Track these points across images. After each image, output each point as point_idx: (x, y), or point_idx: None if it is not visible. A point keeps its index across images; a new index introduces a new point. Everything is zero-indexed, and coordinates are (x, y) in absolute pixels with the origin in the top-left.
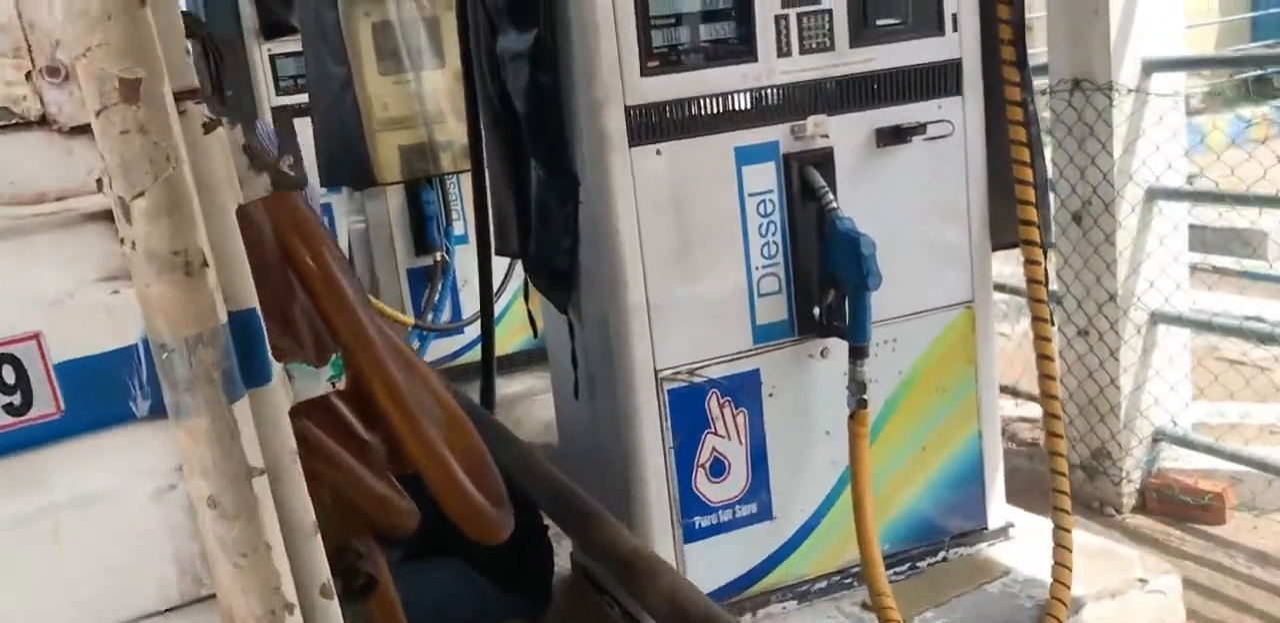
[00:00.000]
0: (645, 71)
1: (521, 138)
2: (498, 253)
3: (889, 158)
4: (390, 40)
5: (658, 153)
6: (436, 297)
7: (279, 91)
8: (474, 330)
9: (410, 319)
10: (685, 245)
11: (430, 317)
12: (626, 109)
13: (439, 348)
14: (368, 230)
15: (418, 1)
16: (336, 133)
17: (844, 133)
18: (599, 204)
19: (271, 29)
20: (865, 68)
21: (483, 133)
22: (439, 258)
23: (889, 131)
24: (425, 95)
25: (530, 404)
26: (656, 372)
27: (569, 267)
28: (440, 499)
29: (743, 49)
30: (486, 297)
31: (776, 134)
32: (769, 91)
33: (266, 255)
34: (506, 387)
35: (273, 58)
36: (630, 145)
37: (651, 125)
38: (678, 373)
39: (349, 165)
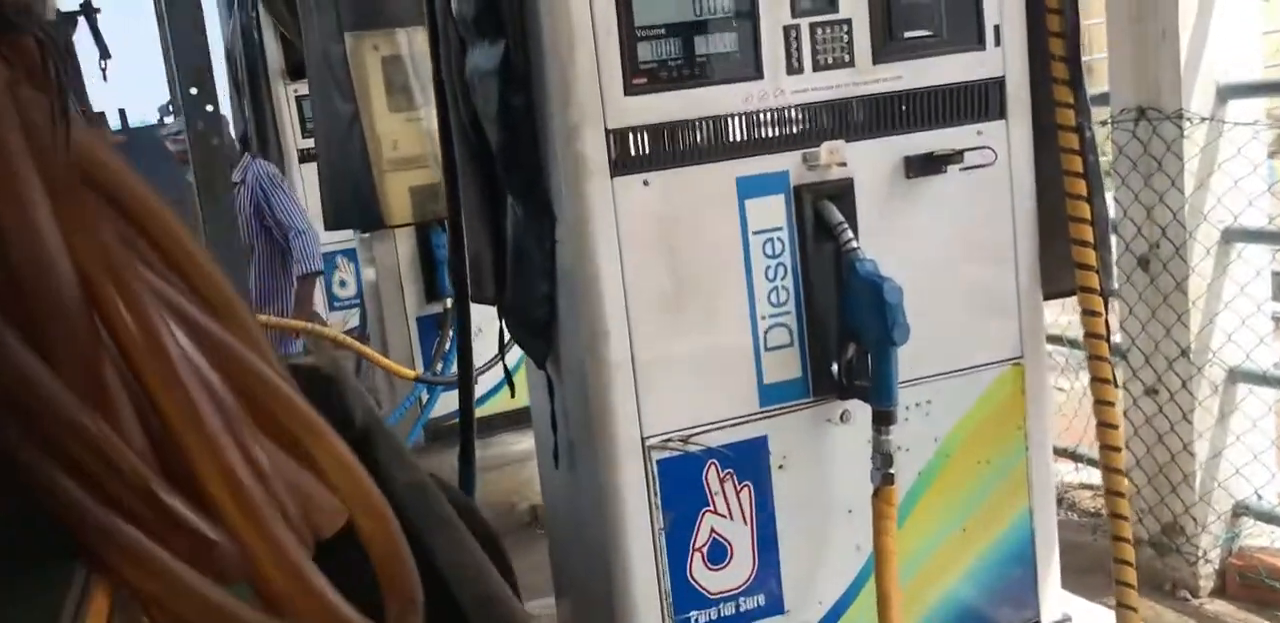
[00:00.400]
0: (630, 90)
1: (496, 170)
2: (473, 299)
3: (920, 190)
4: (401, 75)
5: (645, 183)
6: (448, 345)
7: (304, 133)
8: (490, 379)
9: (413, 372)
10: (678, 291)
11: (440, 367)
12: (608, 133)
13: (451, 401)
14: (376, 276)
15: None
16: (343, 172)
17: (866, 161)
18: (576, 242)
19: (298, 70)
20: (891, 86)
21: (457, 166)
22: (450, 305)
23: (920, 160)
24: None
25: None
26: (643, 439)
27: (547, 316)
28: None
29: (746, 65)
30: (464, 347)
31: (786, 163)
32: (776, 113)
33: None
34: (517, 444)
35: (299, 99)
36: (612, 174)
37: (638, 152)
38: (669, 441)
39: (356, 207)
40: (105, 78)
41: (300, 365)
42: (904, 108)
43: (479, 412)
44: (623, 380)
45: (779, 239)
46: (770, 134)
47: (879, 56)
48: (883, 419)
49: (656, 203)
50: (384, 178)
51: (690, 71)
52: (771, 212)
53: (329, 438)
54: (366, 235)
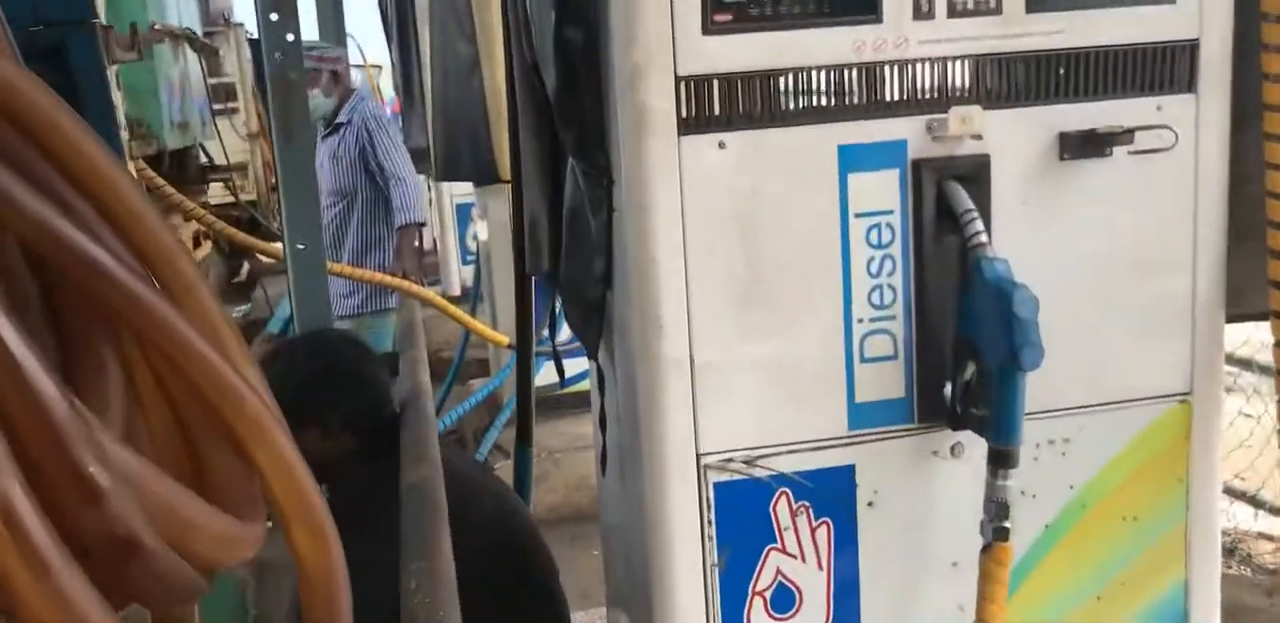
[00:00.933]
0: (710, 28)
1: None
2: (528, 271)
3: (1075, 176)
4: None
5: (721, 146)
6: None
7: None
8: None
9: (505, 339)
10: (754, 281)
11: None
12: (678, 81)
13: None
14: (489, 233)
15: None
16: (458, 120)
17: (1008, 135)
18: (634, 214)
19: None
20: (1048, 43)
21: (519, 118)
22: None
23: (1079, 138)
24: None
25: None
26: (699, 456)
27: (600, 298)
28: None
29: (860, 3)
30: (524, 318)
31: (904, 130)
32: (896, 68)
33: None
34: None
35: None
36: (680, 133)
37: (715, 107)
38: (729, 461)
39: (470, 157)
40: None
41: (331, 338)
42: (1062, 71)
43: (574, 388)
44: (678, 384)
45: (888, 225)
46: (886, 94)
47: (1035, 3)
48: (1001, 460)
49: (734, 171)
50: (501, 128)
51: (788, 8)
52: (881, 191)
53: (276, 442)
54: (481, 189)
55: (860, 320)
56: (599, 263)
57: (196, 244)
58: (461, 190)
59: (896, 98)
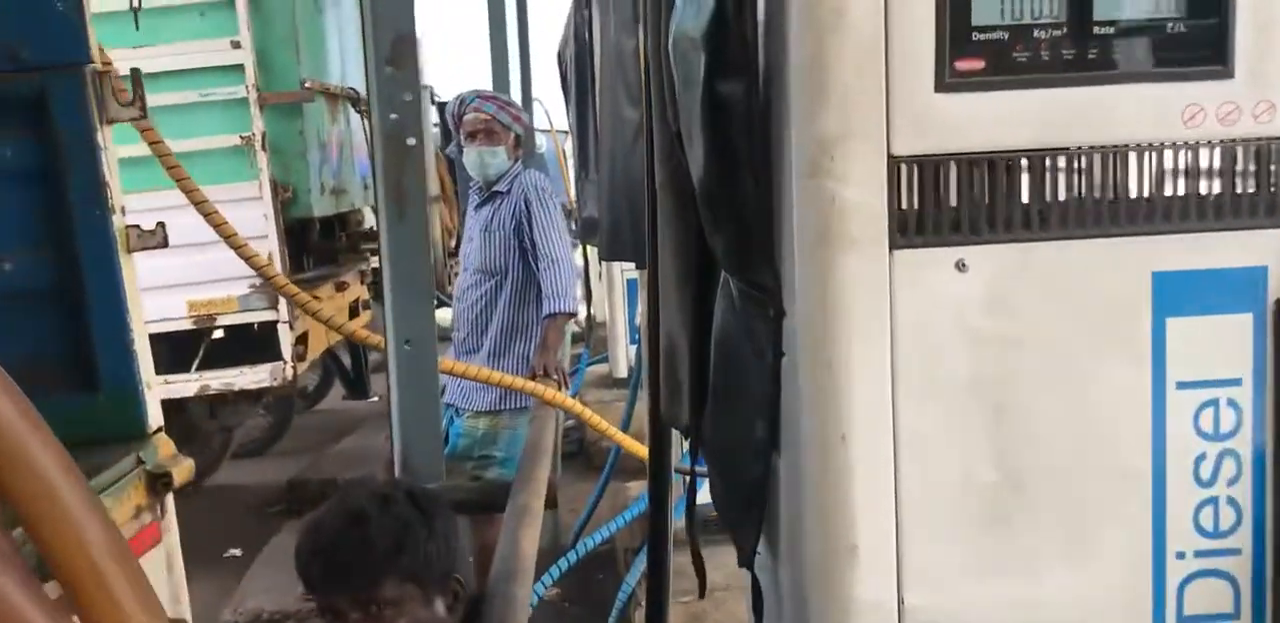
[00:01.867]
0: (948, 82)
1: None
2: (663, 420)
3: None
4: None
5: (960, 267)
6: None
7: None
8: None
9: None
10: (1003, 488)
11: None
12: (893, 163)
13: None
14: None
15: None
16: (622, 192)
17: None
18: (813, 367)
19: None
20: None
21: (657, 201)
22: None
23: None
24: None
25: None
26: None
27: (762, 479)
28: None
29: (1198, 48)
30: (660, 491)
31: (1264, 251)
32: (1254, 149)
33: None
34: None
35: None
36: (894, 245)
37: (951, 204)
38: None
39: (631, 235)
40: None
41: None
42: None
43: None
44: None
45: (1232, 403)
46: (1235, 189)
47: None
48: None
49: (979, 308)
50: None
51: (1076, 51)
52: (1222, 347)
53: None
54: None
55: (1180, 555)
56: (760, 427)
57: (355, 314)
58: (632, 264)
59: (1251, 199)
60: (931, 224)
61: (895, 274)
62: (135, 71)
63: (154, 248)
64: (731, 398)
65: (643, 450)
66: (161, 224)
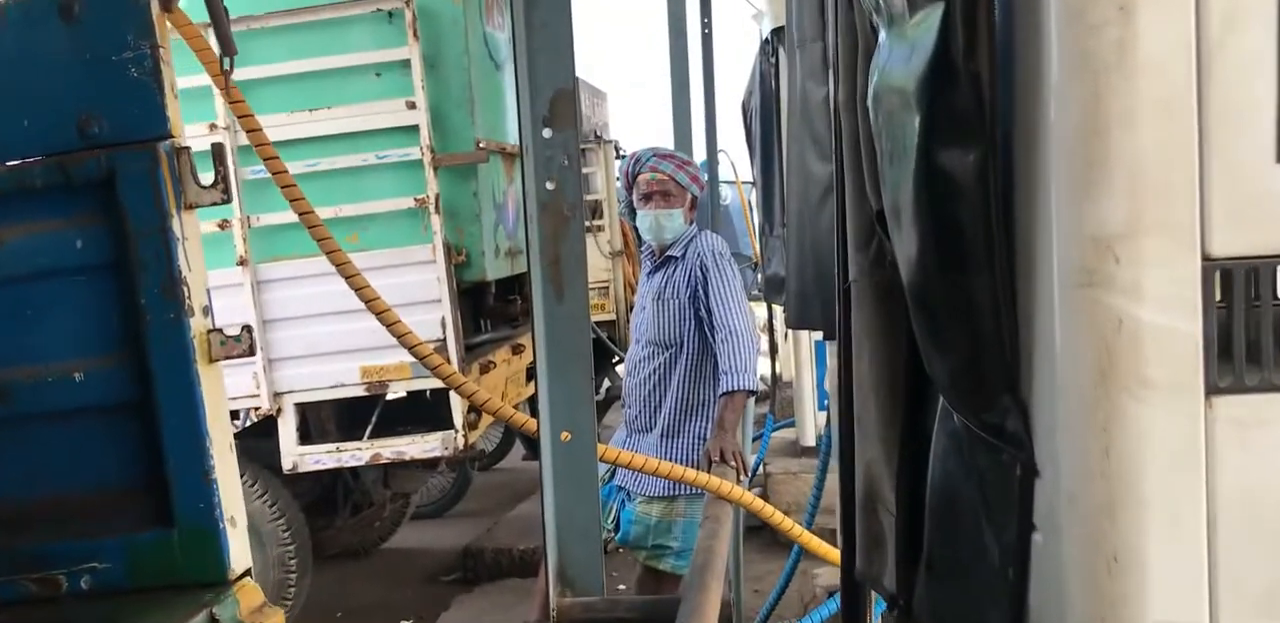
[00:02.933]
0: None
1: (910, 314)
2: (856, 576)
3: None
4: None
5: None
6: None
7: None
8: None
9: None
10: None
11: None
12: (1209, 269)
13: None
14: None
15: None
16: (810, 255)
17: None
18: (1084, 557)
19: None
20: None
21: (855, 306)
22: None
23: None
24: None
25: None
26: None
27: None
28: None
29: None
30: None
31: None
32: None
33: None
34: None
35: None
36: (1212, 389)
37: None
38: None
39: (820, 303)
40: None
41: None
42: None
43: None
44: None
45: None
46: None
47: None
48: None
49: None
50: None
51: None
52: None
53: None
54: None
55: None
56: (996, 617)
57: (532, 377)
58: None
59: None
60: (1273, 358)
61: (1216, 431)
62: (217, 146)
63: (238, 357)
64: (957, 573)
65: (833, 554)
66: (248, 328)
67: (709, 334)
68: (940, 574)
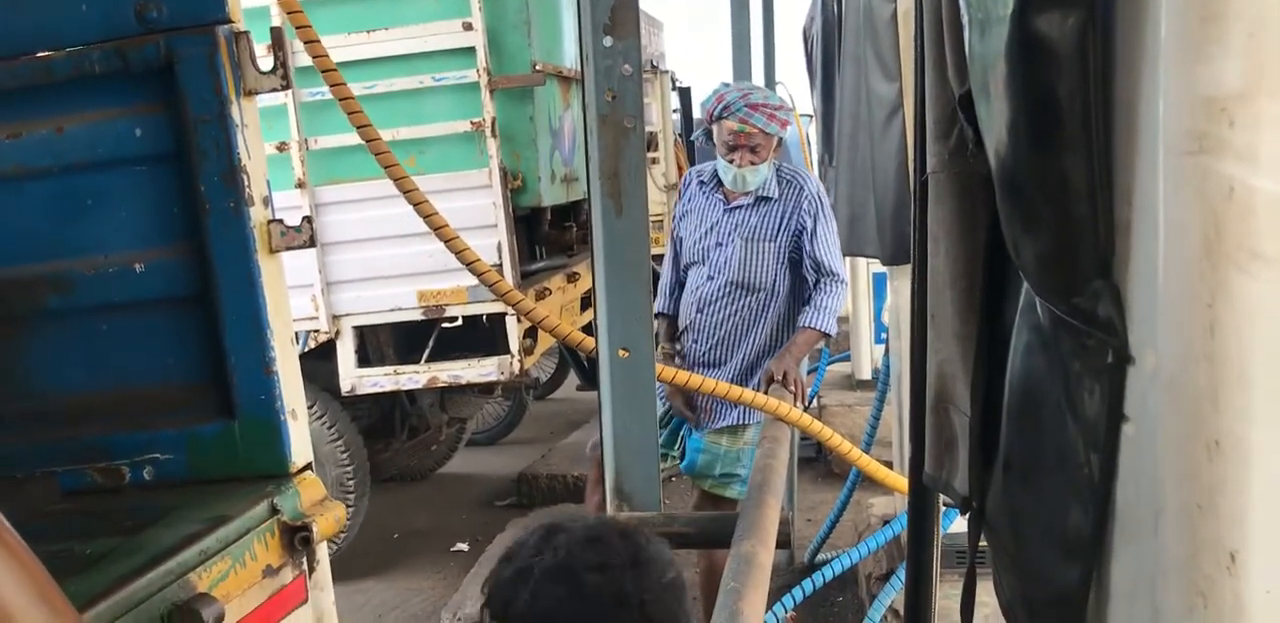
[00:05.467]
0: None
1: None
2: (925, 480)
3: None
4: None
5: None
6: None
7: None
8: None
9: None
10: None
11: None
12: None
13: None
14: (894, 320)
15: None
16: (866, 178)
17: None
18: (1182, 446)
19: None
20: None
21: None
22: None
23: None
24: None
25: None
26: None
27: (1076, 593)
28: None
29: None
30: (920, 575)
31: None
32: None
33: None
34: None
35: None
36: None
37: None
38: None
39: (877, 227)
40: None
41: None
42: None
43: None
44: None
45: None
46: None
47: None
48: None
49: None
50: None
51: None
52: None
53: None
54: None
55: None
56: (1080, 518)
57: (587, 305)
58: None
59: None
60: None
61: None
62: (276, 30)
63: (299, 248)
64: (1036, 472)
65: (892, 479)
66: (308, 219)
67: (809, 275)
68: (1018, 474)
